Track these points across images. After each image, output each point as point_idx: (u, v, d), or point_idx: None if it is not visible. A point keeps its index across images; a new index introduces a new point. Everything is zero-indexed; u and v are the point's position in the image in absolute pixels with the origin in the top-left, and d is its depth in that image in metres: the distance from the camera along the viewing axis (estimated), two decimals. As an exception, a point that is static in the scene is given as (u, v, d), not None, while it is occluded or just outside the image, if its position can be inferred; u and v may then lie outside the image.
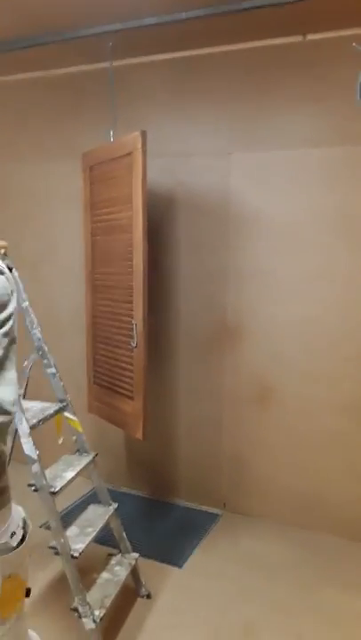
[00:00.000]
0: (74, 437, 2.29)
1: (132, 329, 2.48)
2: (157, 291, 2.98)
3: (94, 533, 2.12)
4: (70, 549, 1.97)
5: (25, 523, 1.35)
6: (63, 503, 2.93)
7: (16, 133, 3.32)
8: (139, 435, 2.54)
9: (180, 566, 2.53)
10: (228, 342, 2.92)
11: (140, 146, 2.33)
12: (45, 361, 2.23)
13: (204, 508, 3.07)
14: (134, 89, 2.91)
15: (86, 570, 2.13)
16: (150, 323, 2.61)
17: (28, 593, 1.35)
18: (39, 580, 2.38)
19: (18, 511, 1.34)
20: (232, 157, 2.79)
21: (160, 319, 3.04)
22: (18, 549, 1.28)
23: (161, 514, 3.02)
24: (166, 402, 3.08)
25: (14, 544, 1.27)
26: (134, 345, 2.48)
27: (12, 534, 1.27)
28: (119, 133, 2.63)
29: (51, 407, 2.21)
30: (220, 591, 2.36)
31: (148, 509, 3.08)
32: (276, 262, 2.76)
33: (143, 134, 2.33)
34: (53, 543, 1.96)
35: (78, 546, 2.02)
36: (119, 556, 2.35)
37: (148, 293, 2.47)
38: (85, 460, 2.25)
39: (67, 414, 2.27)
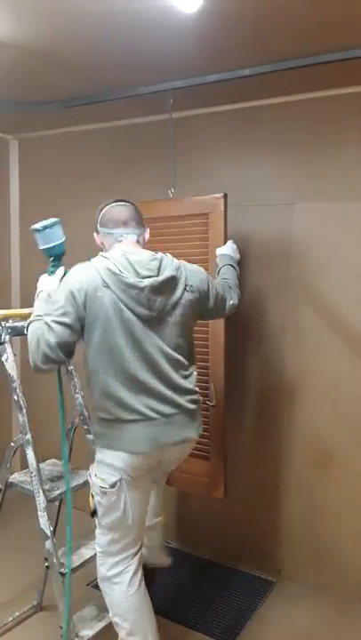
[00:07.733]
0: None
1: (208, 387, 2.44)
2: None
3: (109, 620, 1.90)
4: (76, 636, 1.80)
5: None
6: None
7: (78, 182, 3.36)
8: (219, 494, 2.53)
9: (230, 643, 2.38)
10: (284, 401, 2.78)
11: (221, 209, 2.32)
12: (86, 427, 2.17)
13: (258, 572, 2.89)
14: (194, 138, 2.88)
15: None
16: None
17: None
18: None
19: None
20: (295, 208, 2.68)
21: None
22: None
23: (212, 576, 2.87)
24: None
25: None
26: (212, 403, 2.42)
27: None
28: (179, 183, 2.59)
29: (82, 476, 2.11)
30: None
31: (198, 570, 2.93)
32: (340, 318, 2.61)
33: (225, 197, 2.34)
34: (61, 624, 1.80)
35: (86, 632, 1.84)
36: None
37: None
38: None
39: None
